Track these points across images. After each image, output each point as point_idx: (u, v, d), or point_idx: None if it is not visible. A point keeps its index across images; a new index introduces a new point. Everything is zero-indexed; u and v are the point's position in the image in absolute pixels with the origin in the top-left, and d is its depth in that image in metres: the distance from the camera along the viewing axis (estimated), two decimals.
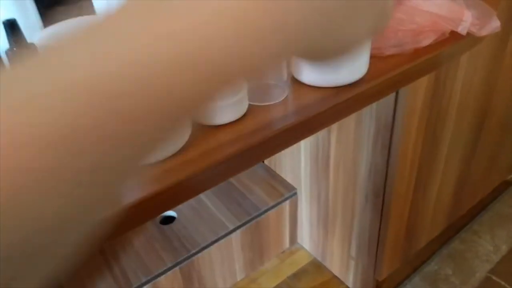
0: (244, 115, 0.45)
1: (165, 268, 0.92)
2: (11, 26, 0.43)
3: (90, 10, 0.58)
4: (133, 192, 0.37)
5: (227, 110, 0.43)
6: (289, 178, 1.09)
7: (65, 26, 0.53)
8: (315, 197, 1.03)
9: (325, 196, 0.98)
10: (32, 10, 0.51)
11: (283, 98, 0.48)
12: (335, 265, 1.07)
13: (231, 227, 1.00)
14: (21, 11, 0.49)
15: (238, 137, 0.42)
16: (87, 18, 0.55)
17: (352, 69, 0.48)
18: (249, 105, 0.46)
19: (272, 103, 0.47)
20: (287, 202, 1.07)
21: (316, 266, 1.10)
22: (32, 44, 0.45)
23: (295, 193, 1.07)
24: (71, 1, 0.59)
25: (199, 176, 0.39)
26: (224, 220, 1.02)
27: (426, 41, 0.52)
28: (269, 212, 1.05)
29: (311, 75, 0.49)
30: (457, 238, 1.11)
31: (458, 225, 1.12)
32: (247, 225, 1.02)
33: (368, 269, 0.95)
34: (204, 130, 0.43)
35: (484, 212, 1.17)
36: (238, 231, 1.01)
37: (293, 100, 0.48)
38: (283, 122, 0.44)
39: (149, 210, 0.38)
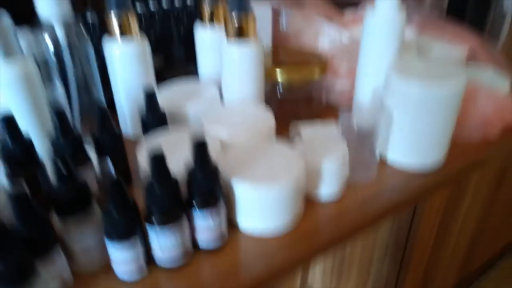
0: (344, 192, 0.50)
1: None
2: (150, 97, 0.49)
3: (195, 74, 0.64)
4: (256, 265, 0.41)
5: (334, 187, 0.49)
6: None
7: (175, 89, 0.58)
8: None
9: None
10: (152, 76, 0.57)
11: (373, 176, 0.53)
12: None
13: None
14: (144, 78, 0.55)
15: (340, 214, 0.47)
16: (190, 81, 0.61)
17: (435, 153, 0.55)
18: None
19: (365, 181, 0.53)
20: None
21: None
22: (163, 113, 0.50)
23: None
24: (179, 65, 0.65)
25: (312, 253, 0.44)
26: None
27: (493, 132, 0.60)
28: None
29: (398, 157, 0.55)
30: None
31: (467, 281, 1.18)
32: None
33: None
34: (312, 205, 0.48)
35: (491, 270, 1.23)
36: None
37: (383, 179, 0.53)
38: (378, 202, 0.49)
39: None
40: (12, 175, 0.43)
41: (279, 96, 0.62)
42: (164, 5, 0.65)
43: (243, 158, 0.45)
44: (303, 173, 0.44)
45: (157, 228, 0.37)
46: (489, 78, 0.63)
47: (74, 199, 0.37)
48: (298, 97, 0.64)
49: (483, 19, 0.80)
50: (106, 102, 0.58)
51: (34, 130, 0.48)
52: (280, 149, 0.47)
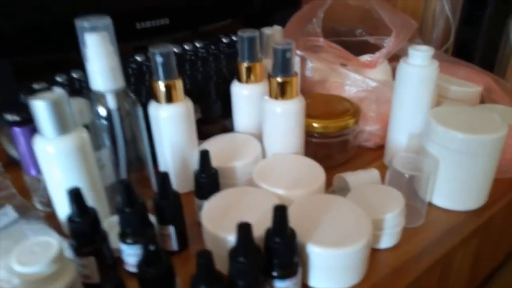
0: (401, 238, 0.51)
1: None
2: (204, 156, 0.49)
3: (231, 127, 0.64)
4: None
5: (393, 237, 0.49)
6: None
7: (217, 144, 0.59)
8: None
9: None
10: (195, 133, 0.58)
11: (423, 220, 0.54)
12: None
13: None
14: (189, 136, 0.56)
15: (401, 263, 0.48)
16: (229, 136, 0.61)
17: (479, 195, 0.56)
18: None
19: (416, 225, 0.54)
20: None
21: None
22: (215, 171, 0.51)
23: None
24: (215, 120, 0.65)
25: None
26: None
27: None
28: None
29: (443, 200, 0.56)
30: None
31: None
32: None
33: None
34: (373, 254, 0.48)
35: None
36: None
37: (433, 223, 0.54)
38: (435, 247, 0.50)
39: None
40: (79, 249, 0.42)
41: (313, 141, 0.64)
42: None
43: (308, 217, 0.45)
44: (371, 231, 0.44)
45: None
46: (510, 115, 0.66)
47: (162, 282, 0.36)
48: (332, 142, 0.65)
49: (492, 58, 0.85)
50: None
51: (91, 200, 0.47)
52: (341, 203, 0.47)
